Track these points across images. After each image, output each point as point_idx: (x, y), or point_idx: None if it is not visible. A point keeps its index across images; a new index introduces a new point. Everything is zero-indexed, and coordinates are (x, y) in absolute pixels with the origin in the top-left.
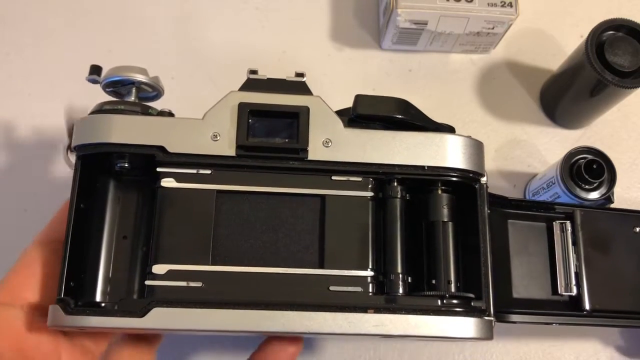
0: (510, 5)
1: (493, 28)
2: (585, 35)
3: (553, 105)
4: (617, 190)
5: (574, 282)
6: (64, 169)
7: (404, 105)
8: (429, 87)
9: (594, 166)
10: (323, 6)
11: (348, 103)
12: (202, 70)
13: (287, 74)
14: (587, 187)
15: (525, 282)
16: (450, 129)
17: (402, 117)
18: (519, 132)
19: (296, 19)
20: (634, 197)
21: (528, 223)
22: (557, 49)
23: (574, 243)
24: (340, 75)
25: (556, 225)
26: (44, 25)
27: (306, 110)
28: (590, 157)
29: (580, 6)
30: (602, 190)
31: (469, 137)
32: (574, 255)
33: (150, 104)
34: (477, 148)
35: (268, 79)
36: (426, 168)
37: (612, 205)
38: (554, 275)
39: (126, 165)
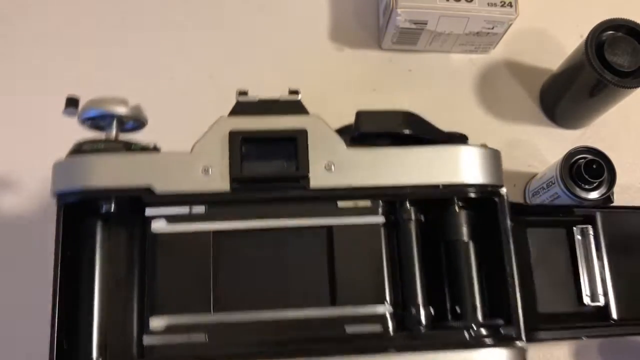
0: (510, 5)
1: (493, 28)
2: (585, 35)
3: (553, 105)
4: (617, 190)
5: (599, 290)
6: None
7: (410, 118)
8: (429, 87)
9: (594, 166)
10: (323, 6)
11: (348, 103)
12: (201, 70)
13: (286, 73)
14: (587, 187)
15: (549, 295)
16: (462, 139)
17: (408, 131)
18: (519, 132)
19: (296, 19)
20: (634, 197)
21: (547, 230)
22: (557, 49)
23: (597, 248)
24: (340, 75)
25: (577, 230)
26: (43, 26)
27: (304, 133)
28: (590, 157)
29: (580, 6)
30: (602, 190)
31: (484, 145)
32: (598, 261)
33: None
34: (493, 158)
35: (259, 100)
36: (441, 187)
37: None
38: (578, 283)
39: (112, 207)
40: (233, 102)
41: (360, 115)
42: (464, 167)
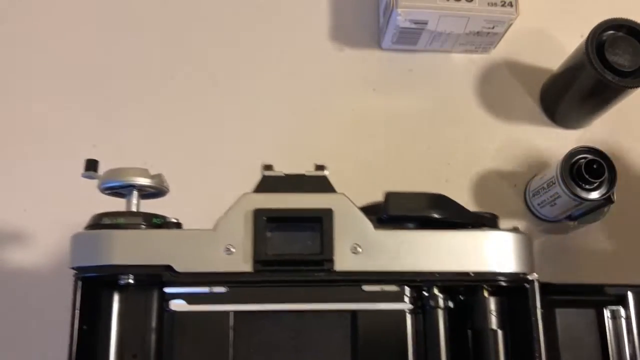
0: (511, 4)
1: (493, 28)
2: (586, 35)
3: (553, 105)
4: (618, 190)
5: None
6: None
7: (441, 202)
8: (429, 87)
9: (594, 166)
10: (323, 6)
11: (348, 103)
12: (202, 70)
13: (286, 73)
14: (587, 187)
15: None
16: (492, 220)
17: (439, 216)
18: (519, 132)
19: (296, 19)
20: (635, 197)
21: (576, 310)
22: (557, 48)
23: (629, 331)
24: (340, 75)
25: (607, 311)
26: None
27: (330, 213)
28: (590, 156)
29: (580, 6)
30: (603, 190)
31: (516, 229)
32: (629, 346)
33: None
34: (525, 243)
35: (285, 175)
36: (471, 275)
37: (613, 206)
38: None
39: (131, 281)
40: (234, 107)
41: (390, 197)
42: (495, 254)
